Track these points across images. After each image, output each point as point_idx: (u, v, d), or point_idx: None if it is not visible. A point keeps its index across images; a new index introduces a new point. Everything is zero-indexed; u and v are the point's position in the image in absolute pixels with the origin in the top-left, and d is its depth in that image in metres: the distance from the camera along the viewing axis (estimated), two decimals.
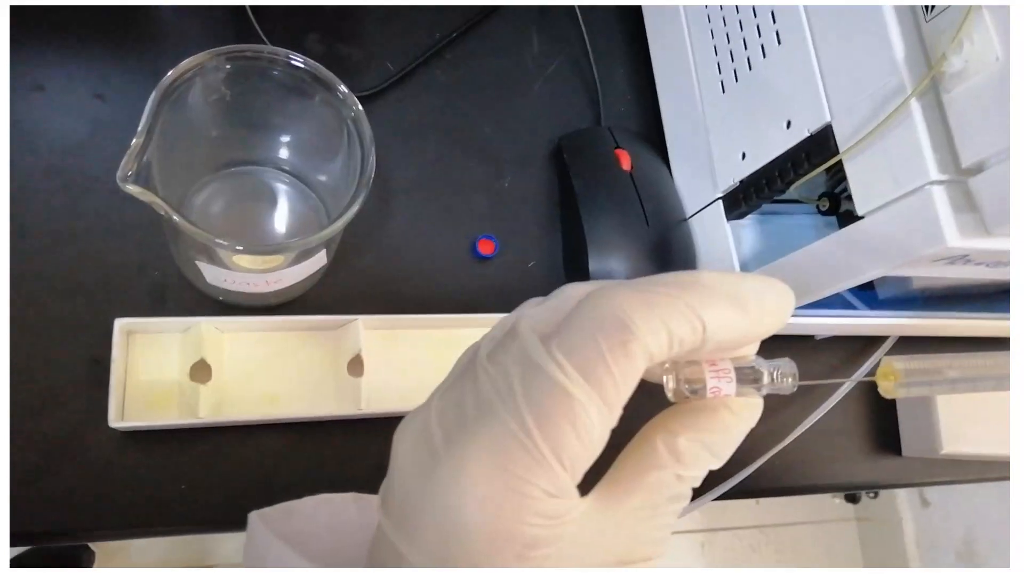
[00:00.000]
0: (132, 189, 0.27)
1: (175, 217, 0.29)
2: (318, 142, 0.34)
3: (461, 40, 0.48)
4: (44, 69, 0.40)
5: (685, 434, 0.19)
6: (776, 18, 0.38)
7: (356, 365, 0.38)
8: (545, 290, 0.45)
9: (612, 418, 0.17)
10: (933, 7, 0.31)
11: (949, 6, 0.30)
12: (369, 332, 0.39)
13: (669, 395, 0.20)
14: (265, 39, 0.42)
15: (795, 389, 0.20)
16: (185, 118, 0.31)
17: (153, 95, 0.28)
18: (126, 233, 0.38)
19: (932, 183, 0.30)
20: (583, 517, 0.18)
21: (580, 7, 0.50)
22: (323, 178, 0.35)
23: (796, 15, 0.37)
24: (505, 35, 0.49)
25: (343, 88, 0.30)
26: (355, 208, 0.30)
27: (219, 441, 0.37)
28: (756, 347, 0.21)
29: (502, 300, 0.44)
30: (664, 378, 0.20)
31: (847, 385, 0.26)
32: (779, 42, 0.38)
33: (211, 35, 0.43)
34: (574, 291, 0.20)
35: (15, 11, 0.39)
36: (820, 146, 0.35)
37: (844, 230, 0.35)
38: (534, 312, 0.19)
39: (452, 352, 0.41)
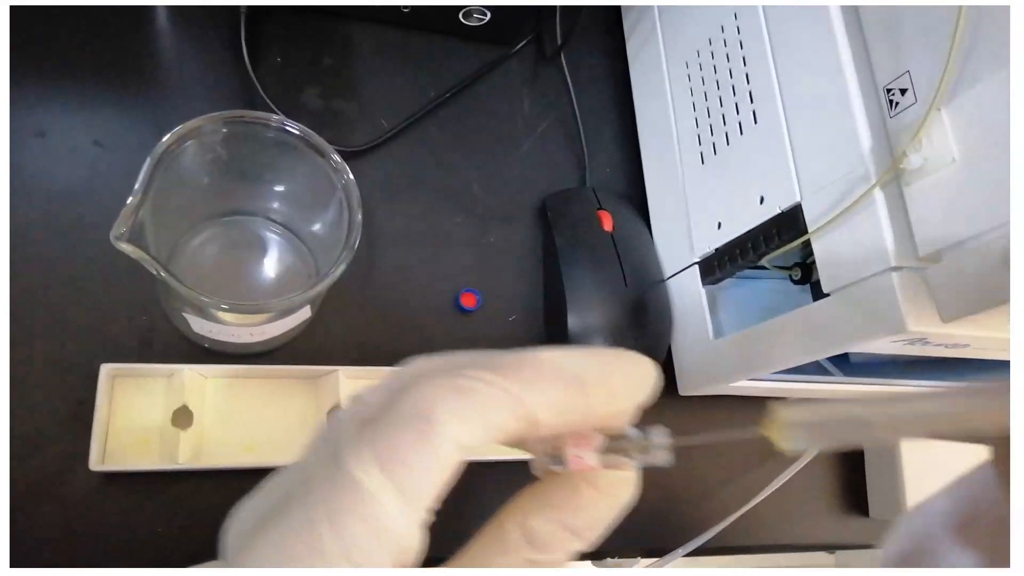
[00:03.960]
0: (125, 248, 0.28)
1: (163, 274, 0.30)
2: (309, 198, 0.35)
3: (455, 99, 0.49)
4: (46, 115, 0.41)
5: (540, 513, 0.18)
6: (754, 98, 0.40)
7: (333, 413, 0.39)
8: (524, 345, 0.46)
9: (415, 511, 0.16)
10: (897, 103, 0.32)
11: (912, 104, 0.32)
12: (350, 382, 0.39)
13: (533, 470, 0.19)
14: (263, 92, 0.43)
15: (672, 460, 0.18)
16: (179, 176, 0.33)
17: (149, 159, 0.30)
18: (117, 279, 0.39)
19: (892, 269, 0.32)
20: None
21: (570, 71, 0.52)
22: (315, 228, 0.36)
23: (772, 98, 0.38)
24: (498, 95, 0.51)
25: (336, 157, 0.32)
26: (338, 272, 0.31)
27: (197, 485, 0.38)
28: (629, 418, 0.19)
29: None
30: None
31: (738, 435, 0.24)
32: (755, 121, 0.40)
33: (210, 85, 0.45)
34: (415, 369, 0.19)
35: (16, 54, 0.41)
36: (790, 223, 0.37)
37: (810, 306, 0.36)
38: (371, 391, 0.19)
39: None
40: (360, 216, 0.32)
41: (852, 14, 0.35)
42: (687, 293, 0.46)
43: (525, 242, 0.49)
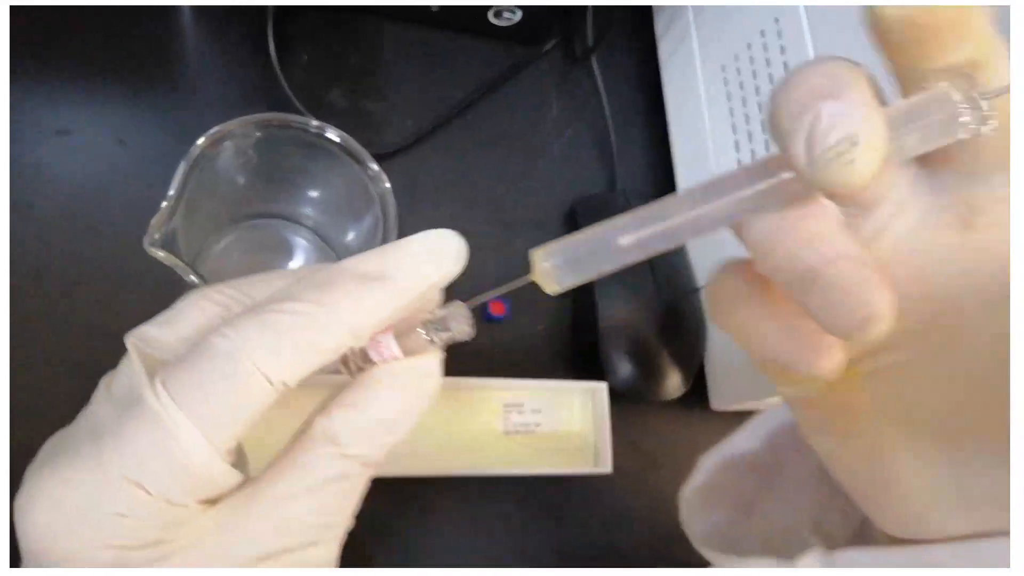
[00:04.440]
0: (159, 254, 0.27)
1: (193, 278, 0.29)
2: (344, 205, 0.34)
3: (482, 101, 0.48)
4: (70, 113, 0.40)
5: (341, 410, 0.18)
6: None
7: None
8: (552, 354, 0.45)
9: (216, 442, 0.16)
10: None
11: None
12: None
13: (343, 371, 0.19)
14: (289, 92, 0.42)
15: (473, 331, 0.19)
16: (211, 178, 0.32)
17: (184, 162, 0.29)
18: (143, 278, 0.38)
19: None
20: (220, 520, 0.17)
21: (601, 72, 0.51)
22: (348, 237, 0.35)
23: None
24: (526, 97, 0.50)
25: (374, 166, 0.31)
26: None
27: None
28: (438, 300, 0.19)
29: (511, 362, 0.44)
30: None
31: (512, 285, 0.24)
32: None
33: (235, 84, 0.44)
34: (195, 314, 0.18)
35: (41, 52, 0.40)
36: None
37: None
38: (159, 329, 0.18)
39: (461, 414, 0.41)
40: (396, 227, 0.31)
41: None
42: None
43: None
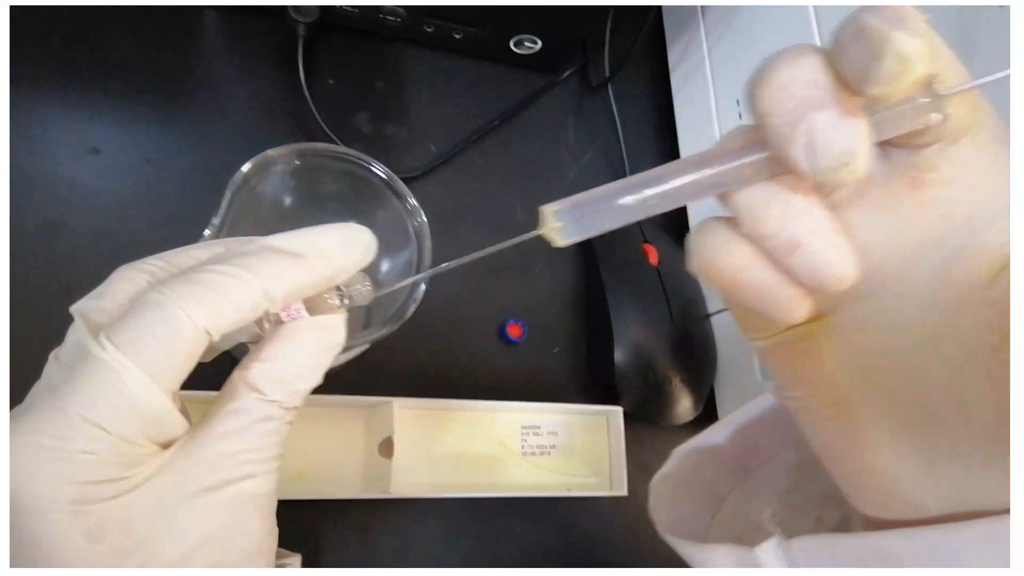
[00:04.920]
0: None
1: None
2: (380, 237, 0.35)
3: (502, 127, 0.49)
4: (101, 132, 0.40)
5: (256, 363, 0.20)
6: None
7: (386, 446, 0.39)
8: (567, 377, 0.46)
9: (161, 383, 0.18)
10: None
11: None
12: (403, 412, 0.39)
13: (259, 331, 0.21)
14: (317, 116, 0.43)
15: (372, 295, 0.22)
16: (253, 203, 0.32)
17: (228, 191, 0.29)
18: None
19: None
20: (170, 459, 0.19)
21: (616, 100, 0.52)
22: (384, 268, 0.36)
23: None
24: (543, 123, 0.51)
25: (412, 200, 0.31)
26: (407, 314, 0.31)
27: None
28: (349, 276, 0.22)
29: (528, 385, 0.45)
30: None
31: (521, 238, 0.25)
32: None
33: (263, 107, 0.45)
34: (125, 284, 0.20)
35: (74, 72, 0.40)
36: None
37: None
38: (92, 304, 0.20)
39: (480, 436, 0.42)
40: (430, 263, 0.32)
41: None
42: (731, 328, 0.46)
43: (569, 273, 0.49)
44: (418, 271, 0.32)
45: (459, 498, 0.41)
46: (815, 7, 0.41)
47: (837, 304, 0.19)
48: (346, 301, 0.22)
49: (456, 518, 0.42)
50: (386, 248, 0.35)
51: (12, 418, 0.18)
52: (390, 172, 0.31)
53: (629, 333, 0.45)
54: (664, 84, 0.54)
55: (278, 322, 0.21)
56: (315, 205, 0.34)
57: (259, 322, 0.21)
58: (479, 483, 0.41)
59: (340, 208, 0.35)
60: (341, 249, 0.21)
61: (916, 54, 0.14)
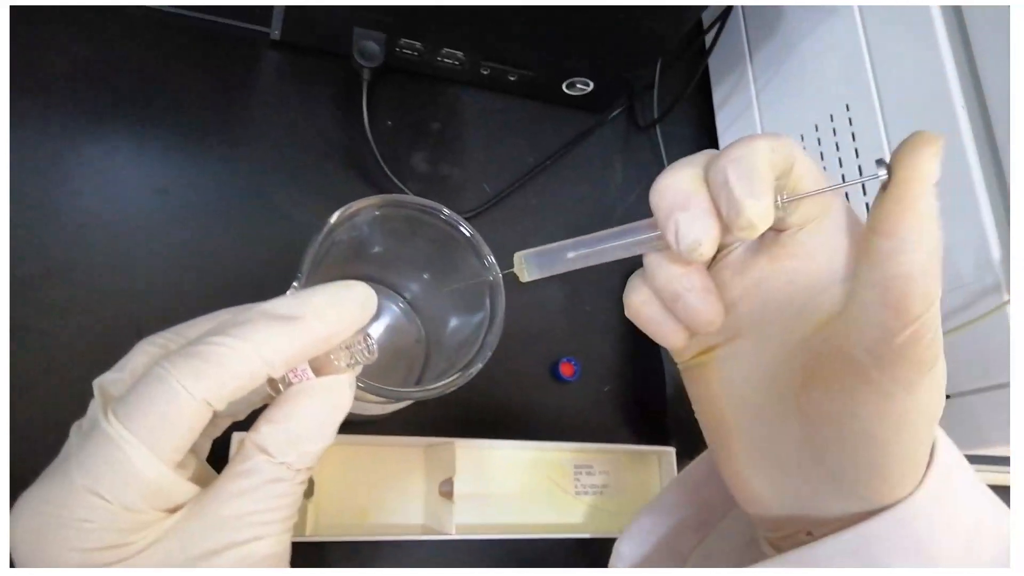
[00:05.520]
0: None
1: None
2: (456, 295, 0.35)
3: (552, 166, 0.50)
4: (168, 172, 0.41)
5: (265, 425, 0.21)
6: (866, 190, 0.41)
7: (447, 486, 0.39)
8: (619, 416, 0.47)
9: (162, 454, 0.19)
10: None
11: None
12: (464, 452, 0.40)
13: (273, 394, 0.22)
14: (379, 158, 0.44)
15: (375, 353, 0.23)
16: (337, 247, 0.33)
17: (317, 241, 0.30)
18: None
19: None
20: (176, 523, 0.20)
21: (663, 138, 0.53)
22: (452, 324, 0.36)
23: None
24: (592, 162, 0.52)
25: (490, 257, 0.32)
26: (475, 370, 0.32)
27: (320, 556, 0.38)
28: (350, 336, 0.22)
29: (579, 423, 0.46)
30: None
31: (494, 277, 0.29)
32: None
33: (324, 150, 0.45)
34: (142, 357, 0.21)
35: (137, 111, 0.41)
36: None
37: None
38: (112, 377, 0.21)
39: (535, 475, 0.42)
40: (502, 324, 0.32)
41: (979, 112, 0.36)
42: None
43: (619, 312, 0.49)
44: (489, 326, 0.32)
45: (516, 539, 0.42)
46: (867, 47, 0.42)
47: (719, 341, 0.24)
48: (353, 361, 0.22)
49: (512, 558, 0.42)
50: (460, 307, 0.36)
51: (32, 485, 0.20)
52: (476, 233, 0.32)
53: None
54: (710, 124, 0.55)
55: (288, 384, 0.22)
56: (388, 251, 0.35)
57: (273, 384, 0.22)
58: (536, 524, 0.42)
59: (413, 255, 0.36)
60: (334, 308, 0.21)
61: (761, 219, 0.19)
